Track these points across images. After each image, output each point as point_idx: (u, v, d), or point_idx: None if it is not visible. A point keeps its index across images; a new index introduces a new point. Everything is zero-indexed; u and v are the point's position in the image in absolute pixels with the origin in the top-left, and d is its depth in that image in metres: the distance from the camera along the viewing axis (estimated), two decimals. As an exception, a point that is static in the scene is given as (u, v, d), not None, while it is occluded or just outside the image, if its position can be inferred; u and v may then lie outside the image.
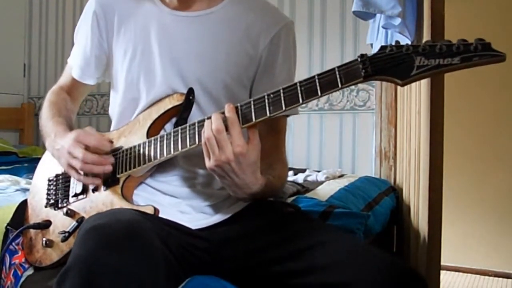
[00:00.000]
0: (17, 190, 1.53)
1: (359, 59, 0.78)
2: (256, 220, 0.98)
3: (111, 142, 1.03)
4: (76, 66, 1.16)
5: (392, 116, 2.19)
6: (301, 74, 0.99)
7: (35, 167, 1.21)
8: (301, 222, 0.97)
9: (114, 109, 1.13)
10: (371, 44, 1.96)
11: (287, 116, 1.10)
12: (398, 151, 2.14)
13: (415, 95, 1.77)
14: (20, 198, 1.32)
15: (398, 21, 1.60)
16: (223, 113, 0.87)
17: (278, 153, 1.08)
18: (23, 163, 2.34)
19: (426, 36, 1.51)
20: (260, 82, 1.07)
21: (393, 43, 0.78)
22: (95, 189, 1.01)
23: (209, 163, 0.87)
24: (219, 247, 0.93)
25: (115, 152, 1.02)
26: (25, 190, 1.50)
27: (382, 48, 0.78)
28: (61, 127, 1.05)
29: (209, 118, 0.89)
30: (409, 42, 1.56)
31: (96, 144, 0.96)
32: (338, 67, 0.80)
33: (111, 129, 1.11)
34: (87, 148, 0.96)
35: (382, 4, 1.58)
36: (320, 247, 0.84)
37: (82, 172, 0.98)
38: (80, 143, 0.96)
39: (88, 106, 2.99)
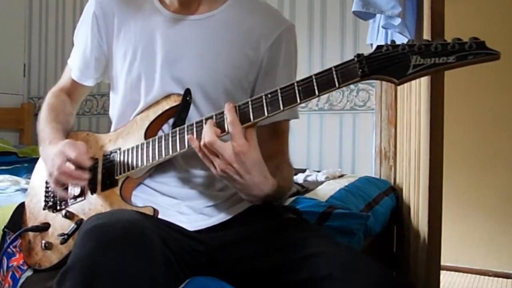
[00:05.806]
0: (17, 190, 1.53)
1: (355, 59, 0.79)
2: (255, 224, 0.97)
3: (95, 159, 1.03)
4: (75, 67, 1.15)
5: (392, 116, 2.19)
6: (301, 74, 0.99)
7: (35, 167, 1.21)
8: (300, 230, 0.96)
9: (114, 110, 1.12)
10: (371, 44, 1.96)
11: (289, 120, 1.10)
12: (398, 151, 2.14)
13: (415, 95, 1.77)
14: (20, 198, 1.31)
15: (398, 21, 1.60)
16: (221, 113, 0.87)
17: (283, 156, 1.07)
18: (23, 163, 2.34)
19: (426, 36, 1.51)
20: (261, 86, 1.06)
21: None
22: (93, 191, 1.01)
23: (215, 170, 0.87)
24: (217, 251, 0.93)
25: (111, 154, 1.03)
26: (25, 190, 1.49)
27: (379, 47, 0.78)
28: (57, 134, 1.05)
29: (208, 118, 0.89)
30: (409, 42, 1.56)
31: (75, 158, 0.95)
32: (335, 66, 0.80)
33: (111, 130, 1.11)
34: (69, 160, 0.96)
35: (382, 4, 1.58)
36: (317, 258, 0.84)
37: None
38: (63, 154, 0.96)
39: (88, 106, 2.99)
